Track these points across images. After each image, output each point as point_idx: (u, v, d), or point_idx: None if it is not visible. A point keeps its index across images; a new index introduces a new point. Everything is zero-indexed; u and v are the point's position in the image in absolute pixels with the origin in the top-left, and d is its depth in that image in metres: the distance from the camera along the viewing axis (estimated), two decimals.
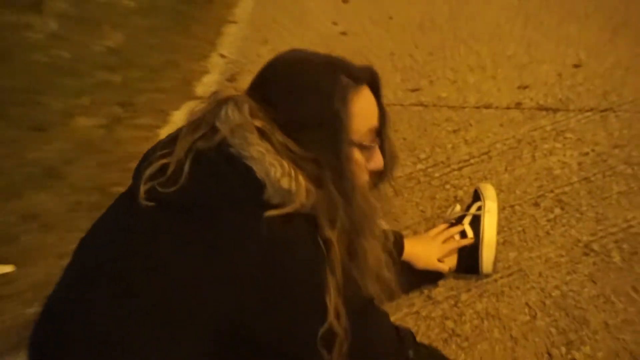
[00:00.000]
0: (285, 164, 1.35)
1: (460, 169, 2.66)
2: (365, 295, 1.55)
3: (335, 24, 3.69)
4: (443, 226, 2.21)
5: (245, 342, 1.41)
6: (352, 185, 1.40)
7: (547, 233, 2.33)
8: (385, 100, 2.71)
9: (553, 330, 2.00)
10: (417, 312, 2.12)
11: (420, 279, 2.18)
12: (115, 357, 1.41)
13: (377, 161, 1.54)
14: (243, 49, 3.57)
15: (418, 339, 2.01)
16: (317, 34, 3.63)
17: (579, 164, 2.60)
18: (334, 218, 1.39)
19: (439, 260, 2.14)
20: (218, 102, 1.45)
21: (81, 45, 3.59)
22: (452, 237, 2.19)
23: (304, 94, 1.45)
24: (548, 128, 2.80)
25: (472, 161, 2.68)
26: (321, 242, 1.36)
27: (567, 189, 2.50)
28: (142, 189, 1.39)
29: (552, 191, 2.50)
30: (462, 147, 2.76)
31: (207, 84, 3.43)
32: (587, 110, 2.86)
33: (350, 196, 1.40)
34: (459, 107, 3.00)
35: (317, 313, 1.36)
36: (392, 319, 2.05)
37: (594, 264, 2.20)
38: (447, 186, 2.59)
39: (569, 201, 2.44)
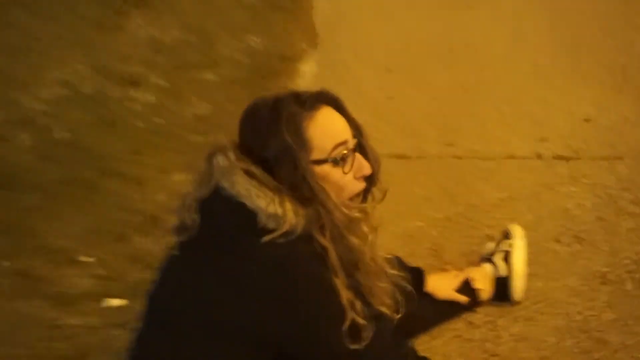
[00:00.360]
0: (270, 193, 1.36)
1: (490, 211, 2.71)
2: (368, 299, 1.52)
3: (381, 89, 3.77)
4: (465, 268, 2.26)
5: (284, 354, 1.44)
6: (325, 198, 1.39)
7: (568, 265, 2.36)
8: (424, 154, 2.81)
9: (577, 350, 2.03)
10: (460, 336, 2.15)
11: (450, 309, 2.19)
12: None
13: (362, 168, 1.51)
14: None
15: (460, 359, 2.06)
16: (367, 99, 3.73)
17: (593, 204, 2.64)
18: (323, 227, 1.40)
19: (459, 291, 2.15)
20: (210, 154, 1.48)
21: (174, 113, 3.73)
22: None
23: (261, 135, 1.44)
24: (565, 174, 2.85)
25: (500, 204, 2.74)
26: (319, 252, 1.39)
27: (583, 227, 2.53)
28: (174, 243, 1.49)
29: (570, 229, 2.53)
30: (491, 193, 2.81)
31: None
32: (599, 159, 2.90)
33: (327, 206, 1.39)
34: (487, 159, 3.05)
35: (336, 315, 1.37)
36: (438, 342, 2.11)
37: (611, 292, 2.22)
38: (480, 226, 2.63)
39: (586, 237, 2.47)
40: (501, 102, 3.48)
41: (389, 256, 1.83)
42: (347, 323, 1.37)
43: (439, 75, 3.80)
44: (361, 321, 1.39)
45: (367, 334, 1.40)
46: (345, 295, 1.39)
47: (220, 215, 1.43)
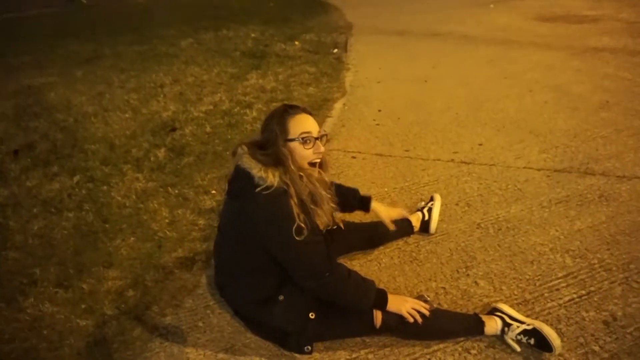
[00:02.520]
0: (260, 165, 1.40)
1: (424, 186, 2.66)
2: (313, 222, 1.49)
3: (374, 120, 3.70)
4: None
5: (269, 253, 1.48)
6: (287, 162, 1.43)
7: (461, 218, 2.32)
8: (392, 154, 2.69)
9: (460, 261, 1.96)
10: (399, 248, 2.15)
11: (397, 233, 2.12)
12: (220, 258, 1.69)
13: (319, 148, 1.49)
14: (333, 128, 3.60)
15: (396, 260, 2.01)
16: (365, 124, 3.63)
17: (477, 187, 2.53)
18: (289, 177, 1.43)
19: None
20: (235, 149, 1.53)
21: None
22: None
23: (264, 127, 1.49)
24: (465, 171, 2.76)
25: (430, 183, 2.69)
26: (285, 191, 1.40)
27: (471, 198, 2.45)
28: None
29: (464, 199, 2.46)
30: (425, 177, 2.76)
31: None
32: (483, 164, 2.79)
33: (288, 165, 1.43)
34: (425, 159, 2.96)
35: (289, 221, 1.39)
36: (386, 250, 2.09)
37: (481, 233, 2.17)
38: (418, 193, 2.60)
39: (471, 204, 2.38)
40: (436, 131, 3.38)
41: (330, 183, 1.74)
42: (294, 225, 1.39)
43: (406, 115, 3.72)
44: (302, 225, 1.40)
45: (306, 233, 1.41)
46: (296, 211, 1.41)
47: (238, 178, 1.47)
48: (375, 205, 1.93)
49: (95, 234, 2.41)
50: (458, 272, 1.95)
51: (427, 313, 1.51)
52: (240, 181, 1.45)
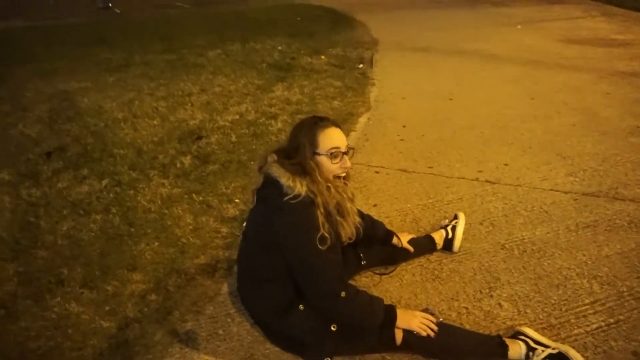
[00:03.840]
0: (289, 174, 1.42)
1: (448, 204, 2.65)
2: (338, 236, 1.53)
3: (398, 135, 3.70)
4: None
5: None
6: (314, 173, 1.45)
7: (485, 237, 2.30)
8: (416, 170, 2.70)
9: (483, 281, 1.99)
10: (422, 265, 2.14)
11: (419, 251, 2.14)
12: (243, 264, 1.73)
13: (345, 163, 1.50)
14: (357, 143, 3.59)
15: (418, 277, 2.02)
16: (389, 139, 3.64)
17: (502, 207, 2.51)
18: (314, 185, 1.44)
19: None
20: (264, 155, 1.57)
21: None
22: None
23: (293, 137, 1.50)
24: (489, 190, 2.74)
25: (454, 201, 2.67)
26: (313, 201, 1.42)
27: (495, 218, 2.43)
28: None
29: (488, 218, 2.45)
30: (449, 195, 2.74)
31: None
32: (509, 184, 2.76)
33: (315, 177, 1.45)
34: (450, 177, 2.95)
35: (316, 231, 1.40)
36: (409, 266, 2.11)
37: (505, 254, 2.16)
38: (441, 211, 2.58)
39: (496, 224, 2.38)
40: (461, 149, 3.36)
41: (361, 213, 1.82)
42: (319, 234, 1.40)
43: (430, 132, 3.71)
44: (326, 234, 1.42)
45: (329, 243, 1.43)
46: (321, 220, 1.42)
47: (266, 185, 1.50)
48: (395, 239, 2.02)
49: (121, 237, 2.45)
50: (481, 292, 1.92)
51: (435, 327, 1.50)
52: (268, 189, 1.48)
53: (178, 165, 3.25)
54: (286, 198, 1.40)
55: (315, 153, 1.47)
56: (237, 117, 4.19)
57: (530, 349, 1.52)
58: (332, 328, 1.49)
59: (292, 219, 1.41)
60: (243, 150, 3.45)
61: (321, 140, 1.46)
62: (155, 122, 4.15)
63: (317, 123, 1.49)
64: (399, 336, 1.51)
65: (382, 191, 2.82)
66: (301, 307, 1.52)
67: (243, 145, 3.57)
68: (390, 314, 1.50)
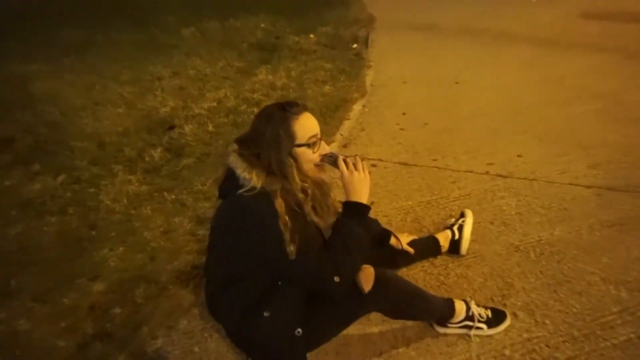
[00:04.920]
0: (246, 165, 1.41)
1: (454, 201, 2.65)
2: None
3: (397, 124, 3.72)
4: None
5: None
6: (288, 171, 1.44)
7: (496, 238, 2.32)
8: (418, 163, 2.71)
9: (495, 288, 2.01)
10: (425, 270, 2.17)
11: (422, 254, 2.16)
12: (207, 267, 1.72)
13: (324, 149, 1.51)
14: (351, 132, 3.61)
15: (421, 284, 2.02)
16: (388, 129, 3.66)
17: (516, 204, 2.55)
18: (275, 186, 1.42)
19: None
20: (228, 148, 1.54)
21: None
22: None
23: (259, 130, 1.45)
24: (501, 185, 2.74)
25: (460, 198, 2.67)
26: (271, 199, 1.39)
27: (508, 216, 2.46)
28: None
29: (500, 217, 2.46)
30: (455, 191, 2.73)
31: (331, 148, 3.38)
32: (522, 178, 2.77)
33: (291, 177, 1.44)
34: (456, 171, 2.95)
35: (276, 228, 1.37)
36: (411, 272, 2.15)
37: (520, 256, 2.19)
38: (447, 209, 2.58)
39: (509, 223, 2.41)
40: (468, 140, 3.36)
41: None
42: (278, 233, 1.37)
43: (434, 120, 3.72)
44: (287, 237, 1.38)
45: (294, 246, 1.39)
46: (283, 220, 1.38)
47: (226, 178, 1.50)
48: (393, 240, 2.04)
49: (81, 241, 2.41)
50: (493, 300, 1.91)
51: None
52: (227, 182, 1.49)
53: (147, 158, 3.22)
54: (240, 191, 1.40)
55: (295, 146, 1.45)
56: (215, 104, 4.16)
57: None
58: (297, 333, 1.51)
59: (248, 214, 1.41)
60: (222, 142, 3.43)
61: (298, 130, 1.45)
62: (120, 110, 4.10)
63: (287, 111, 1.46)
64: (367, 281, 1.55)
65: (379, 187, 2.81)
66: (266, 314, 1.52)
67: (222, 135, 3.54)
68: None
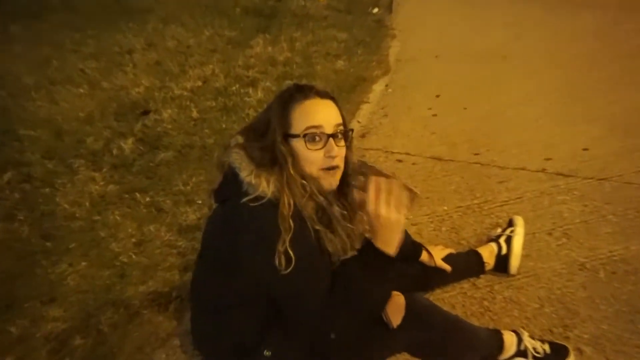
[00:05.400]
0: (252, 166, 1.41)
1: (501, 205, 2.64)
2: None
3: (429, 109, 3.72)
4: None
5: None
6: (285, 163, 1.41)
7: (556, 253, 2.29)
8: (455, 158, 2.72)
9: (554, 316, 1.98)
10: (465, 293, 2.15)
11: (461, 273, 2.16)
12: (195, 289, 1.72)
13: (331, 150, 1.43)
14: (371, 119, 3.63)
15: (460, 311, 2.03)
16: (418, 114, 3.68)
17: (581, 211, 2.54)
18: (283, 180, 1.41)
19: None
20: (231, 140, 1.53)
21: None
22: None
23: (267, 110, 1.48)
24: (562, 187, 2.73)
25: (509, 202, 2.66)
26: (275, 207, 1.38)
27: (571, 226, 2.45)
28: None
29: (561, 226, 2.45)
30: (503, 193, 2.73)
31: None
32: (589, 178, 2.76)
33: (285, 168, 1.41)
34: (504, 167, 2.95)
35: (274, 244, 1.35)
36: (447, 295, 2.13)
37: (586, 277, 2.16)
38: (492, 216, 2.57)
39: (572, 234, 2.40)
40: (520, 129, 3.36)
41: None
42: (276, 258, 1.35)
43: (475, 104, 3.71)
44: (282, 253, 1.35)
45: (293, 265, 1.36)
46: (283, 237, 1.35)
47: (226, 183, 1.48)
48: (425, 255, 2.04)
49: (32, 255, 2.41)
50: (552, 332, 1.90)
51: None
52: (226, 186, 1.47)
53: (115, 151, 3.22)
54: (245, 199, 1.37)
55: (286, 136, 1.44)
56: (200, 83, 4.17)
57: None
58: None
59: (251, 228, 1.39)
60: (208, 131, 3.43)
61: (295, 117, 1.43)
62: (81, 90, 4.11)
63: (294, 93, 1.46)
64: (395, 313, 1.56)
65: None
66: (267, 353, 1.51)
67: (208, 123, 3.55)
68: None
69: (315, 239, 1.46)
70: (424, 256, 2.03)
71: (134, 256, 2.38)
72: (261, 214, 1.37)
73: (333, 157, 1.45)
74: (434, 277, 2.09)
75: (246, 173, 1.40)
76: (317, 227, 1.47)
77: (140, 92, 4.06)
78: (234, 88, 4.08)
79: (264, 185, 1.37)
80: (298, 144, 1.43)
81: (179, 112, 3.72)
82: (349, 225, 1.58)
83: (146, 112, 3.72)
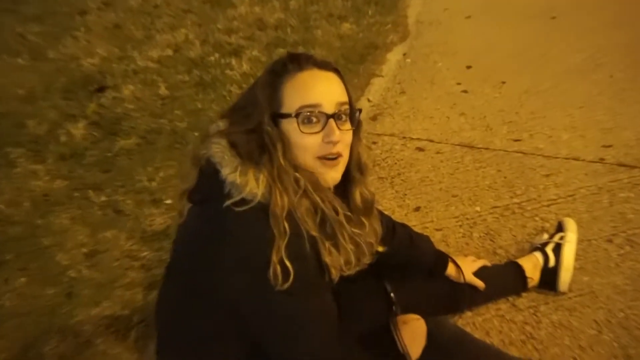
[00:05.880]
0: (237, 161, 1.36)
1: (549, 205, 2.62)
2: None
3: (459, 83, 3.71)
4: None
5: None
6: (274, 151, 1.38)
7: (617, 265, 2.27)
8: (490, 146, 2.72)
9: (615, 344, 1.95)
10: (502, 316, 2.11)
11: (496, 290, 2.15)
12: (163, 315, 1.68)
13: (331, 134, 1.40)
14: (385, 96, 3.61)
15: (497, 339, 2.00)
16: (444, 90, 3.67)
17: None
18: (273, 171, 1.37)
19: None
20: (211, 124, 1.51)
21: None
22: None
23: (253, 87, 1.47)
24: (624, 181, 2.71)
25: (559, 201, 2.64)
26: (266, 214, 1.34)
27: (637, 231, 2.42)
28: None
29: (624, 231, 2.42)
30: (551, 189, 2.71)
31: None
32: None
33: (274, 156, 1.38)
34: (552, 157, 2.93)
35: (260, 270, 1.31)
36: (480, 319, 2.11)
37: None
38: (537, 218, 2.55)
39: (638, 241, 2.36)
40: (572, 108, 3.34)
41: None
42: (270, 270, 1.31)
43: (515, 77, 3.69)
44: (278, 266, 1.31)
45: (290, 282, 1.32)
46: (277, 245, 1.32)
47: (203, 177, 1.45)
48: (452, 268, 2.02)
49: None
50: None
51: None
52: (204, 185, 1.43)
53: (63, 138, 3.24)
54: (228, 202, 1.34)
55: (275, 116, 1.41)
56: (170, 52, 4.18)
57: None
58: None
59: (239, 240, 1.35)
60: (180, 112, 3.44)
61: (287, 92, 1.40)
62: (20, 60, 4.12)
63: (287, 63, 1.43)
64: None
65: (428, 184, 2.81)
66: None
67: (180, 102, 3.56)
68: None
69: (312, 250, 1.43)
70: (451, 269, 2.01)
71: (85, 270, 2.38)
72: (250, 221, 1.33)
73: (334, 143, 1.42)
74: (463, 297, 2.07)
75: (229, 170, 1.34)
76: (314, 234, 1.45)
77: (94, 63, 4.06)
78: (212, 58, 4.08)
79: (252, 185, 1.33)
80: (290, 126, 1.39)
81: (144, 88, 3.72)
82: (355, 230, 1.56)
83: (102, 89, 3.73)
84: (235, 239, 1.35)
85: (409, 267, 1.95)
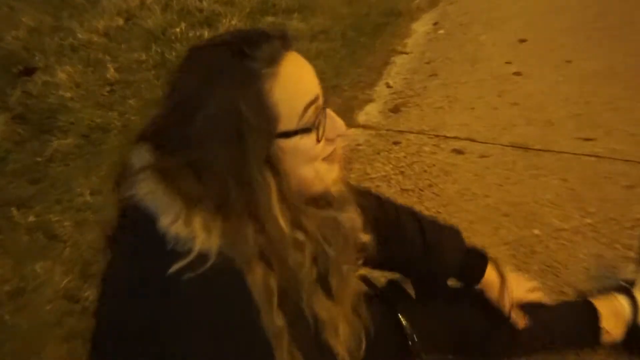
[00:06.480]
0: (179, 205, 1.23)
1: (632, 227, 2.58)
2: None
3: (509, 63, 3.72)
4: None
5: None
6: (262, 194, 1.26)
7: None
8: (553, 147, 2.71)
9: None
10: None
11: (561, 336, 2.06)
12: None
13: (335, 125, 1.36)
14: (410, 80, 3.62)
15: None
16: (489, 72, 3.67)
17: None
18: (246, 252, 1.26)
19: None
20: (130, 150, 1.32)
21: None
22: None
23: (196, 102, 1.25)
24: None
25: None
26: (245, 283, 1.26)
27: None
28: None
29: None
30: (636, 206, 2.68)
31: (369, 113, 3.46)
32: None
33: (263, 218, 1.27)
34: (636, 162, 2.92)
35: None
36: None
37: None
38: (617, 245, 2.51)
39: None
40: None
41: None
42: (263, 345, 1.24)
43: (583, 54, 3.69)
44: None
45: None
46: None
47: (127, 230, 1.31)
48: (490, 273, 1.91)
49: None
50: None
51: None
52: (133, 237, 1.36)
53: None
54: (174, 269, 1.27)
55: (280, 135, 1.35)
56: (121, 21, 4.20)
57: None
58: None
59: (199, 316, 1.32)
60: (133, 102, 3.46)
61: (282, 96, 1.33)
62: None
63: (249, 56, 1.34)
64: None
65: (470, 198, 2.81)
66: None
67: (134, 89, 3.57)
68: None
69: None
70: (491, 280, 1.91)
71: (7, 316, 2.37)
72: (214, 289, 1.23)
73: (338, 137, 1.40)
74: (499, 335, 1.95)
75: (169, 219, 1.30)
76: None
77: (19, 36, 4.07)
78: (177, 30, 4.09)
79: (202, 238, 1.21)
80: (296, 143, 1.36)
81: (85, 70, 3.73)
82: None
83: (29, 71, 3.74)
84: (199, 311, 1.23)
85: (426, 275, 1.90)
